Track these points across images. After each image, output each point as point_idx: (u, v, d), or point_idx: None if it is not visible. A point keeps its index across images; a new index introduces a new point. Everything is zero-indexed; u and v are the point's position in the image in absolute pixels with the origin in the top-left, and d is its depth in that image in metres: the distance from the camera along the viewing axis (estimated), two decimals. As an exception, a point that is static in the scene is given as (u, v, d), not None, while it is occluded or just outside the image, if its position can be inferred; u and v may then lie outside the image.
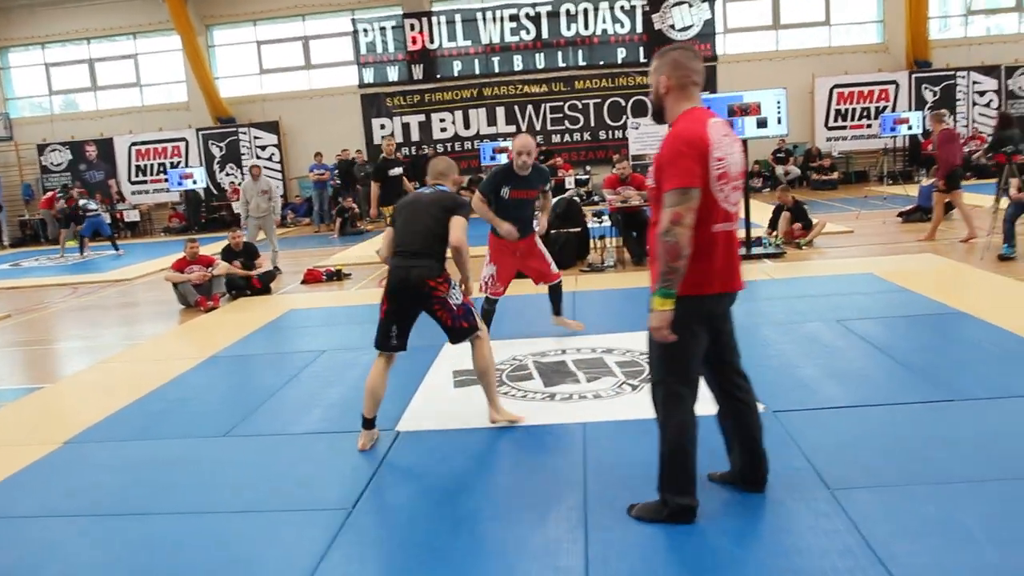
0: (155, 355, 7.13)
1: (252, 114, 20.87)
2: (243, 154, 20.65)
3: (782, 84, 18.88)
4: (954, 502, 3.29)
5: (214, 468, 4.27)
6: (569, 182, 18.59)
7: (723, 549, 3.09)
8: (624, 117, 19.89)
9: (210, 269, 9.41)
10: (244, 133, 20.70)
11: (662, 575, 2.95)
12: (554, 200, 15.83)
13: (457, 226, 4.34)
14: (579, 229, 10.45)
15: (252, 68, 21.05)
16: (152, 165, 21.01)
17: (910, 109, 19.14)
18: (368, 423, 4.37)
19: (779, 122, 9.76)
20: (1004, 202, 9.04)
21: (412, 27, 20.13)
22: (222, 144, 20.78)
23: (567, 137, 20.36)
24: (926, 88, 19.69)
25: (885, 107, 19.59)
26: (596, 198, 18.10)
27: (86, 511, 3.85)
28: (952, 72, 19.64)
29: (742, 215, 3.16)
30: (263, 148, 20.69)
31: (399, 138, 20.39)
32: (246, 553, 3.31)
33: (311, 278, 10.55)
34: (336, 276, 10.61)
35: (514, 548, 3.19)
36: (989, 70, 19.63)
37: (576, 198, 12.32)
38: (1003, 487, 3.40)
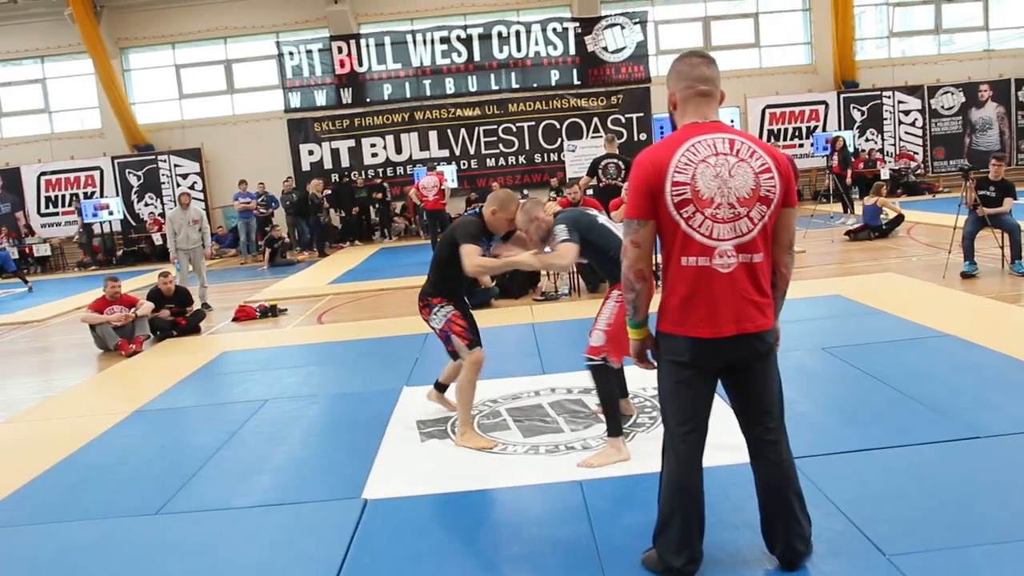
0: (71, 410, 6.30)
1: (172, 141, 19.81)
2: (163, 183, 19.57)
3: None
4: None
5: (146, 557, 3.53)
6: (507, 206, 18.12)
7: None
8: (559, 139, 19.58)
9: (133, 310, 8.56)
10: (164, 161, 19.61)
11: None
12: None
13: (462, 255, 4.41)
14: (530, 256, 9.92)
15: (171, 93, 20.00)
16: (64, 196, 19.71)
17: (839, 128, 19.37)
18: (439, 386, 5.17)
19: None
20: (962, 220, 8.90)
21: (340, 50, 19.47)
22: (140, 173, 19.65)
23: (502, 161, 19.92)
24: (854, 108, 19.95)
25: (816, 127, 19.76)
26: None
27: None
28: (878, 92, 19.96)
29: (757, 250, 2.56)
30: (184, 176, 19.64)
31: (328, 164, 19.65)
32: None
33: (243, 315, 9.76)
34: (271, 312, 9.83)
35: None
36: (912, 90, 20.02)
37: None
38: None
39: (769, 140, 19.72)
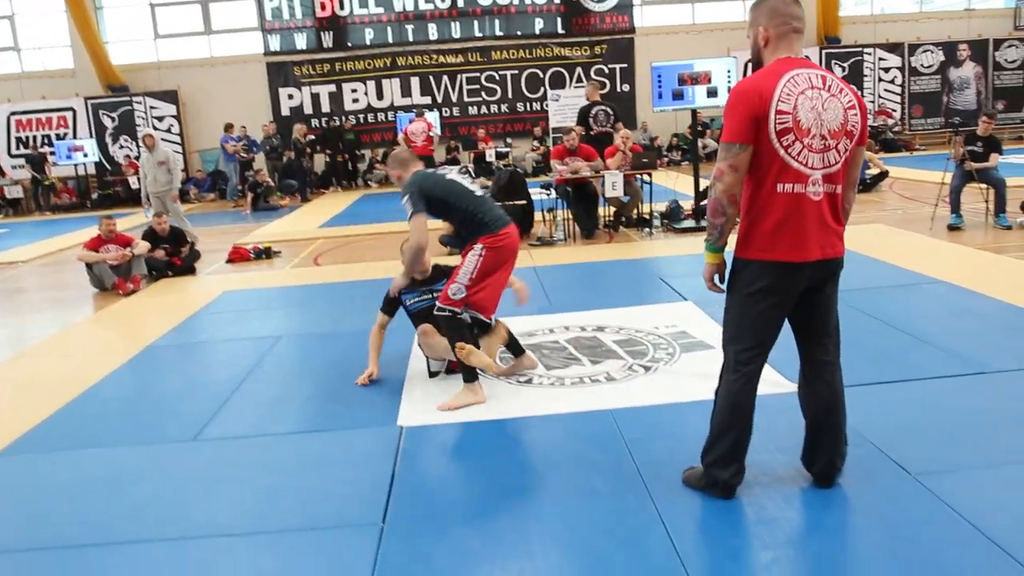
0: (78, 347, 6.31)
1: (147, 82, 19.39)
2: (138, 125, 19.16)
3: (700, 57, 19.11)
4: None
5: (195, 479, 3.63)
6: (490, 155, 18.10)
7: (829, 527, 2.76)
8: (542, 89, 19.49)
9: (129, 249, 8.51)
10: (139, 103, 19.21)
11: None
12: (472, 171, 15.33)
13: None
14: (524, 201, 10.01)
15: (146, 33, 19.54)
16: (35, 137, 19.26)
17: (820, 84, 19.48)
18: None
19: (729, 92, 9.56)
20: (948, 175, 9.12)
21: (320, -9, 19.12)
22: (114, 114, 19.23)
23: (484, 109, 19.82)
24: (835, 64, 20.05)
25: (797, 82, 19.85)
26: (520, 171, 17.67)
27: (40, 543, 3.16)
28: (860, 49, 20.09)
29: (839, 181, 2.74)
30: (160, 119, 19.27)
31: (308, 109, 19.40)
32: (266, 583, 2.77)
33: (237, 257, 9.74)
34: (265, 254, 9.82)
35: (597, 534, 2.78)
36: (893, 47, 20.17)
37: (519, 169, 11.94)
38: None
39: (750, 94, 19.79)
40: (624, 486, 3.23)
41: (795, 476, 3.20)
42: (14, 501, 3.56)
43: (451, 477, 3.47)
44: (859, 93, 2.99)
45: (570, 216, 9.92)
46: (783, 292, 2.91)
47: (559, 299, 6.53)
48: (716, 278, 3.04)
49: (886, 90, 20.32)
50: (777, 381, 4.13)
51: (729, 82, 9.54)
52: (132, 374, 5.40)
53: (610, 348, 5.10)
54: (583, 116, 10.76)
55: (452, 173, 4.51)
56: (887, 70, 20.26)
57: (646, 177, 10.11)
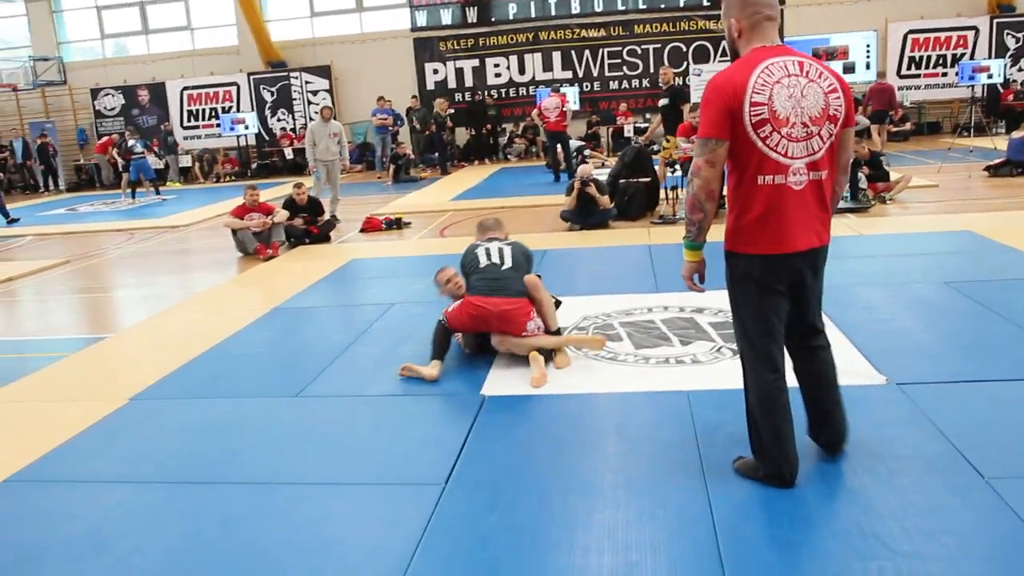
0: (218, 305, 6.90)
1: (303, 58, 20.48)
2: (294, 99, 20.34)
3: (853, 29, 18.14)
4: None
5: (288, 432, 3.98)
6: (628, 130, 17.99)
7: (881, 531, 2.73)
8: (685, 63, 19.09)
9: (270, 217, 9.15)
10: (295, 78, 20.35)
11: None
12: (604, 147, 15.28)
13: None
14: (649, 179, 9.96)
15: (303, 11, 20.60)
16: (204, 110, 20.80)
17: (990, 56, 18.08)
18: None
19: (868, 67, 9.14)
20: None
21: (466, -33, 19.48)
22: (273, 89, 20.46)
23: (625, 84, 19.67)
24: (1008, 34, 18.51)
25: (963, 54, 18.49)
26: (655, 147, 17.49)
27: (157, 477, 3.60)
28: (1038, 17, 18.43)
29: (824, 167, 2.68)
30: (315, 93, 20.33)
31: (452, 83, 19.88)
32: (330, 532, 3.02)
33: (370, 227, 10.25)
34: (396, 225, 10.29)
35: (644, 512, 2.86)
36: (1079, 15, 18.38)
37: (655, 145, 11.95)
38: None
39: (910, 68, 18.62)
40: (681, 467, 3.28)
41: (857, 469, 3.15)
42: (134, 440, 4.03)
43: (517, 446, 3.63)
44: (840, 75, 2.92)
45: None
46: (771, 284, 2.90)
47: (666, 279, 6.51)
48: (696, 277, 3.03)
49: (1068, 63, 18.56)
50: (862, 371, 4.04)
51: (868, 56, 9.08)
52: (256, 333, 5.87)
53: (703, 329, 5.09)
54: (687, 95, 10.67)
55: (489, 244, 5.05)
56: (1070, 41, 18.48)
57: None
